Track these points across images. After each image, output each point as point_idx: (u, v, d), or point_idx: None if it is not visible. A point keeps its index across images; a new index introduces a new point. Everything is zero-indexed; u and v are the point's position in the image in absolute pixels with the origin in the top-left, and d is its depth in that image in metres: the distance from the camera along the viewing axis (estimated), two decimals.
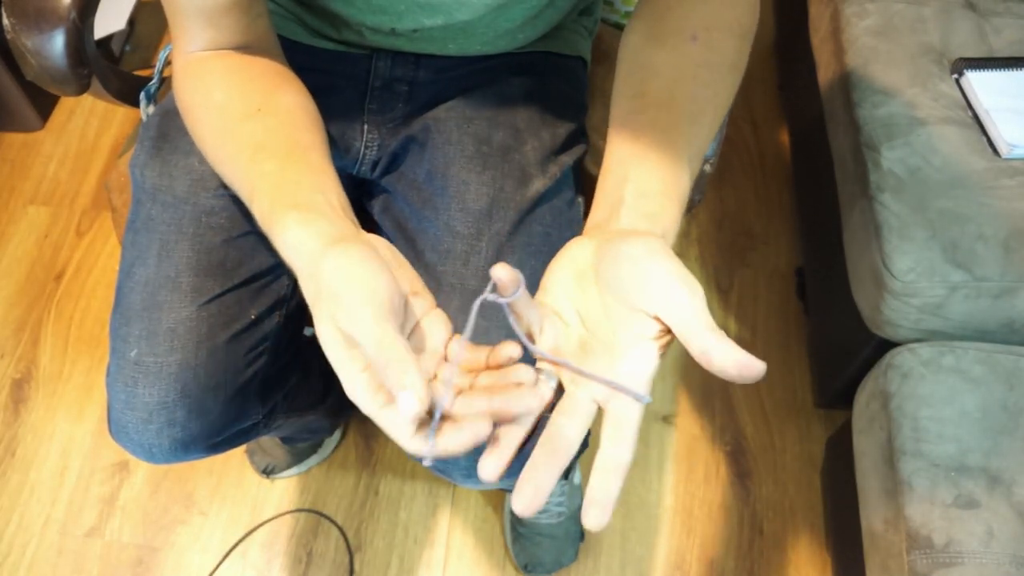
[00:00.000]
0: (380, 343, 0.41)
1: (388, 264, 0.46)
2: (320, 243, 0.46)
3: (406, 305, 0.47)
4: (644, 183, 0.51)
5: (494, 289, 0.43)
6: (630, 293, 0.44)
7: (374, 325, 0.41)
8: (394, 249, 0.50)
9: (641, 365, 0.44)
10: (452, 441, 0.42)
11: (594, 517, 0.41)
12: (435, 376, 0.46)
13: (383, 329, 0.41)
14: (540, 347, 0.46)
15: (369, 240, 0.49)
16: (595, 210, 0.53)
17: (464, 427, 0.42)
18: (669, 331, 0.44)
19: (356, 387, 0.42)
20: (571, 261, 0.49)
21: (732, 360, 0.40)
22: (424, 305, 0.48)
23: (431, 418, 0.42)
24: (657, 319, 0.43)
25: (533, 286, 0.70)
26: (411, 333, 0.47)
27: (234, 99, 0.60)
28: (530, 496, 0.41)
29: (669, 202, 0.51)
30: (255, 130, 0.57)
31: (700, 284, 0.44)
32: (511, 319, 0.45)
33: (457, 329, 0.48)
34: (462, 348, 0.46)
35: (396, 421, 0.41)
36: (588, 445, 1.11)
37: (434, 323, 0.48)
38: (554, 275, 0.49)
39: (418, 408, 0.39)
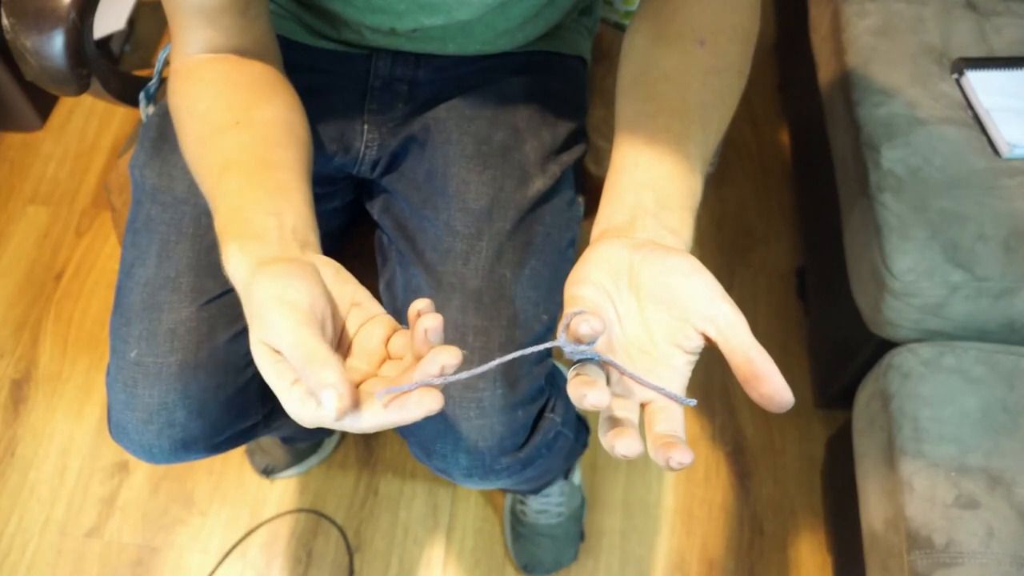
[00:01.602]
0: (297, 346, 0.41)
1: (323, 281, 0.47)
2: (250, 271, 0.47)
3: (337, 314, 0.47)
4: (664, 193, 0.52)
5: (569, 334, 0.44)
6: (679, 304, 0.45)
7: (292, 332, 0.42)
8: (338, 268, 0.50)
9: (679, 374, 0.46)
10: (400, 409, 0.42)
11: (678, 457, 0.40)
12: (377, 374, 0.46)
13: (300, 334, 0.42)
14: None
15: (311, 260, 0.49)
16: (611, 211, 0.53)
17: (411, 398, 0.42)
18: (702, 347, 0.45)
19: (290, 400, 0.42)
20: (606, 260, 0.48)
21: (774, 381, 0.42)
22: (365, 314, 0.48)
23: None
24: (703, 333, 0.44)
25: (535, 286, 0.71)
26: (354, 338, 0.47)
27: (215, 110, 0.59)
28: (630, 438, 0.41)
29: (688, 216, 0.52)
30: (227, 145, 0.57)
31: None
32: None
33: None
34: (404, 341, 0.46)
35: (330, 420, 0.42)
36: (588, 445, 1.10)
37: (375, 326, 0.48)
38: (589, 270, 0.48)
39: (339, 404, 0.39)
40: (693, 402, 0.45)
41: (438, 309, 0.69)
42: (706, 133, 0.56)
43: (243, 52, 0.63)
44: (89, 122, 1.68)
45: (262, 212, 0.52)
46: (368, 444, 1.29)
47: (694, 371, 0.48)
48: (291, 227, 0.52)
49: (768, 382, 0.42)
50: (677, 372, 0.46)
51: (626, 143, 0.55)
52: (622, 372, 0.45)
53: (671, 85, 0.57)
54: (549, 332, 0.73)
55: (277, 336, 0.42)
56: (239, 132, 0.58)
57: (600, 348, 0.46)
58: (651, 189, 0.52)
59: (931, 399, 0.87)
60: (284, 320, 0.42)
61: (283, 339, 0.42)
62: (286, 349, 0.42)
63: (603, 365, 0.45)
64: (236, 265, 0.48)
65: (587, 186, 0.90)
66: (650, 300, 0.46)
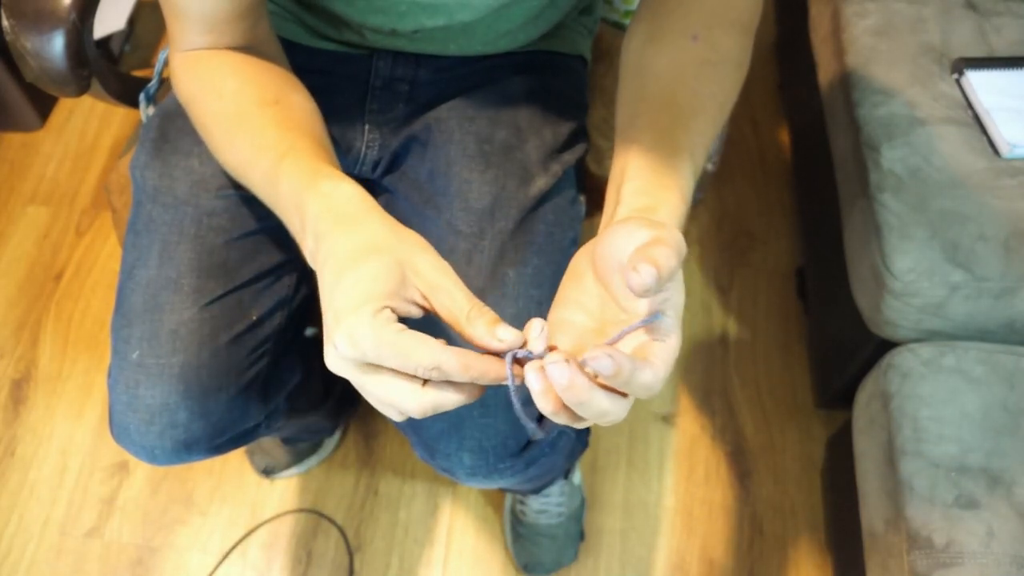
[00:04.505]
0: (469, 296, 0.46)
1: None
2: (379, 207, 0.50)
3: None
4: (641, 180, 0.51)
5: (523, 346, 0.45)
6: (612, 261, 0.46)
7: (450, 273, 0.47)
8: None
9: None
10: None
11: (588, 354, 0.40)
12: None
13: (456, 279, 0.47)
14: (559, 350, 0.46)
15: None
16: (602, 221, 0.53)
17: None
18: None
19: (461, 309, 0.45)
20: (572, 271, 0.50)
21: (641, 256, 0.40)
22: None
23: None
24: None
25: (538, 285, 0.71)
26: None
27: (249, 88, 0.60)
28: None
29: (667, 192, 0.50)
30: (278, 115, 0.58)
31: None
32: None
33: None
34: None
35: (427, 338, 0.44)
36: (588, 444, 1.10)
37: None
38: (562, 289, 0.50)
39: (514, 337, 0.45)
40: (659, 316, 0.44)
41: None
42: (698, 121, 0.56)
43: (249, 51, 0.63)
44: (89, 122, 1.68)
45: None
46: (368, 444, 1.29)
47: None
48: None
49: (636, 262, 0.40)
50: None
51: (619, 147, 0.56)
52: (583, 365, 0.44)
53: (662, 83, 0.57)
54: None
55: (454, 279, 0.46)
56: (283, 109, 0.58)
57: (574, 345, 0.46)
58: (630, 181, 0.52)
59: (931, 399, 0.87)
60: (443, 265, 0.47)
61: (446, 279, 0.46)
62: (462, 289, 0.46)
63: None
64: (359, 191, 0.51)
65: (588, 185, 0.90)
66: (605, 279, 0.47)
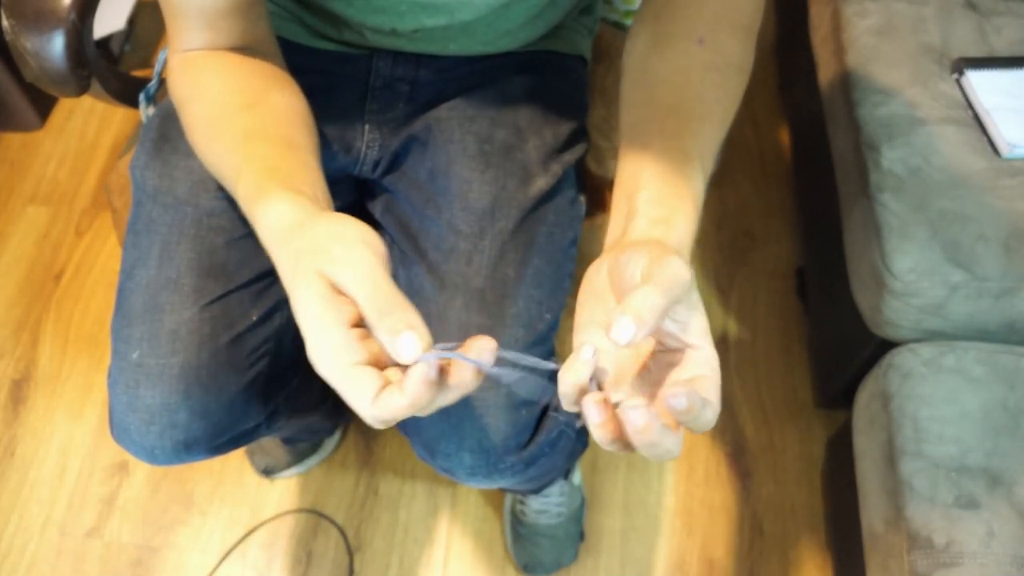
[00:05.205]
0: (379, 286, 0.42)
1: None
2: (306, 215, 0.48)
3: None
4: (655, 189, 0.51)
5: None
6: (626, 283, 0.45)
7: (374, 270, 0.43)
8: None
9: (682, 326, 0.44)
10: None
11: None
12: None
13: (382, 275, 0.43)
14: (608, 382, 0.46)
15: None
16: (612, 224, 0.53)
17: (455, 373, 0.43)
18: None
19: (327, 345, 0.42)
20: (591, 287, 0.49)
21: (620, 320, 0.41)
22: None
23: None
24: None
25: (538, 285, 0.71)
26: None
27: (229, 92, 0.60)
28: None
29: (681, 202, 0.50)
30: (248, 121, 0.58)
31: (697, 285, 0.44)
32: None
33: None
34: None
35: (362, 381, 0.42)
36: (587, 445, 1.10)
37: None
38: (581, 309, 0.49)
39: (420, 348, 0.41)
40: (692, 343, 0.44)
41: (441, 309, 0.69)
42: (706, 125, 0.56)
43: (245, 51, 0.63)
44: (89, 122, 1.68)
45: (297, 180, 0.52)
46: (368, 444, 1.29)
47: None
48: (324, 200, 0.53)
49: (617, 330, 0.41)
50: (680, 327, 0.45)
51: (626, 151, 0.55)
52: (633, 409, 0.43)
53: (667, 87, 0.57)
54: (552, 331, 0.73)
55: (353, 273, 0.43)
56: (255, 112, 0.58)
57: (618, 372, 0.46)
58: (644, 190, 0.51)
59: (931, 399, 0.87)
60: (367, 259, 0.43)
61: (361, 276, 0.42)
62: (365, 287, 0.42)
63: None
64: (284, 209, 0.49)
65: (588, 185, 0.90)
66: (621, 296, 0.47)
